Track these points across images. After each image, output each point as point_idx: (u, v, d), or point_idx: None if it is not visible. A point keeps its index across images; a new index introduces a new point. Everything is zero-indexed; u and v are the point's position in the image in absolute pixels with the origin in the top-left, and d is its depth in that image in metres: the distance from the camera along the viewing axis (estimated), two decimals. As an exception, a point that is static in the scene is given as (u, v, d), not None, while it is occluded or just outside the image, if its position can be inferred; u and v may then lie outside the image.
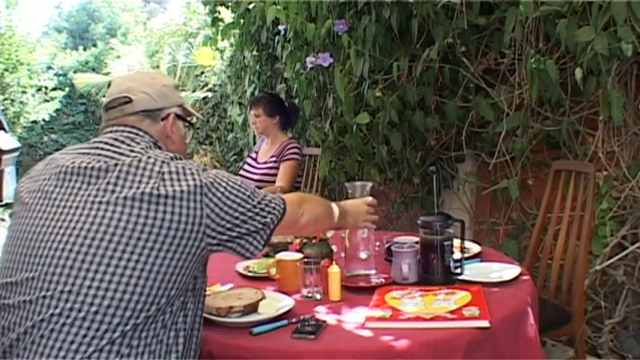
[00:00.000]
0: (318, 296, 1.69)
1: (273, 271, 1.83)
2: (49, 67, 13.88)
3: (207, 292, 1.66)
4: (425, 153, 3.40)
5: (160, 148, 1.45)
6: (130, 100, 1.45)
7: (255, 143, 4.56)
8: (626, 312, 2.66)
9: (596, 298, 2.70)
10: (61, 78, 14.09)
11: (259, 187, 3.94)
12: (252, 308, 1.54)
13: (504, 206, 3.17)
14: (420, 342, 1.36)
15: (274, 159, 3.69)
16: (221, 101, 7.93)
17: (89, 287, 1.22)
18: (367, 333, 1.43)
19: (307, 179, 3.91)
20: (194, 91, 8.50)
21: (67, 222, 1.28)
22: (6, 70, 11.63)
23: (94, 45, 16.49)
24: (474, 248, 2.14)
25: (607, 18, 2.19)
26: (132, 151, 1.37)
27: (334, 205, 1.70)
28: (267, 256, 2.09)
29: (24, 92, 12.15)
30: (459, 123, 3.09)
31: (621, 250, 2.60)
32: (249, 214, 1.39)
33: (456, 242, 1.84)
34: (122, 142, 1.39)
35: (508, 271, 1.84)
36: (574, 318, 2.20)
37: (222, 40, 5.09)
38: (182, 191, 1.29)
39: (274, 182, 3.61)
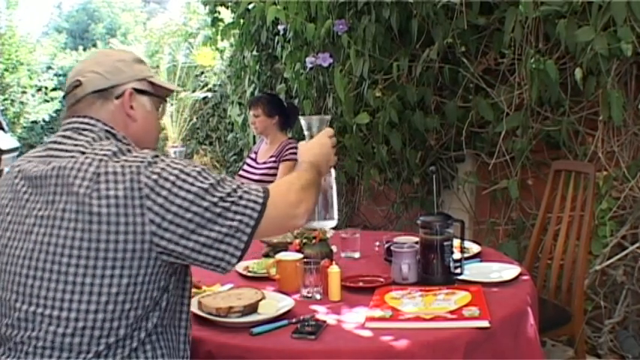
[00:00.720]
0: (318, 296, 1.69)
1: (273, 271, 1.83)
2: (49, 68, 13.88)
3: (207, 292, 1.67)
4: (425, 153, 3.41)
5: (114, 135, 1.29)
6: (80, 83, 1.31)
7: (254, 143, 4.56)
8: (626, 312, 2.66)
9: (595, 298, 2.70)
10: (61, 78, 14.08)
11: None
12: (252, 308, 1.54)
13: (504, 206, 3.17)
14: (420, 342, 1.36)
15: (273, 159, 3.69)
16: (221, 101, 7.93)
17: (42, 315, 1.14)
18: (367, 333, 1.43)
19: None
20: (194, 91, 8.50)
21: (18, 241, 1.20)
22: (6, 70, 11.64)
23: (94, 45, 16.49)
24: (474, 248, 2.14)
25: (607, 18, 2.19)
26: (76, 145, 1.23)
27: (316, 172, 1.45)
28: (267, 256, 2.09)
29: (24, 92, 12.15)
30: (458, 123, 3.09)
31: (621, 250, 2.60)
32: (208, 215, 1.16)
33: (456, 242, 1.84)
34: (69, 137, 1.26)
35: (508, 271, 1.84)
36: (574, 318, 2.20)
37: (222, 40, 5.09)
38: (117, 196, 1.13)
39: (274, 182, 3.61)
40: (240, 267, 1.98)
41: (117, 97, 1.33)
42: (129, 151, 1.23)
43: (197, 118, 8.54)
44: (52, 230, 1.15)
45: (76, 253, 1.13)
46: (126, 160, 1.18)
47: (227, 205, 1.18)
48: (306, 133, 1.63)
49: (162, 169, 1.17)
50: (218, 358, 1.39)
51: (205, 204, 1.16)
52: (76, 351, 1.13)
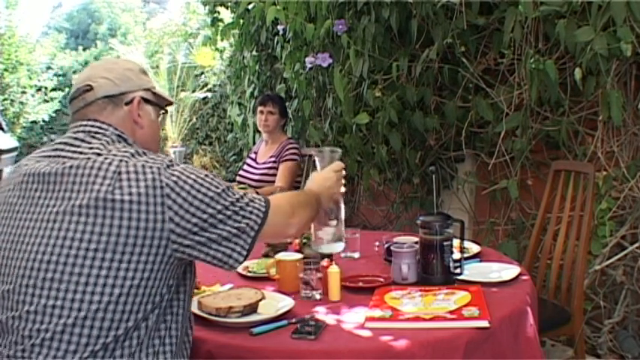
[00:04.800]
0: (318, 296, 1.69)
1: (272, 271, 1.83)
2: (49, 68, 13.89)
3: (207, 292, 1.67)
4: (424, 153, 3.41)
5: (125, 140, 1.35)
6: (91, 88, 1.36)
7: (254, 143, 4.56)
8: (626, 312, 2.66)
9: (595, 298, 2.70)
10: (60, 78, 14.09)
11: (259, 187, 3.92)
12: (252, 308, 1.54)
13: (504, 206, 3.17)
14: (420, 342, 1.36)
15: (273, 159, 3.70)
16: (221, 101, 7.94)
17: (53, 307, 1.17)
18: (367, 333, 1.43)
19: (307, 179, 3.91)
20: (194, 91, 8.50)
21: (29, 237, 1.22)
22: (6, 70, 11.65)
23: (95, 45, 16.51)
24: (474, 248, 2.14)
25: (606, 18, 2.19)
26: (90, 148, 1.28)
27: (314, 198, 1.57)
28: (266, 256, 2.09)
29: (24, 92, 12.16)
30: (458, 123, 3.09)
31: (620, 250, 2.60)
32: (220, 216, 1.25)
33: (456, 242, 1.84)
34: (82, 139, 1.30)
35: (507, 271, 1.85)
36: (573, 318, 2.21)
37: (222, 40, 5.09)
38: (139, 193, 1.19)
39: (274, 182, 3.62)
40: (240, 267, 1.98)
41: (126, 104, 1.39)
42: (144, 154, 1.29)
43: (197, 119, 8.54)
44: (70, 225, 1.19)
45: (93, 247, 1.17)
46: (146, 161, 1.24)
47: (236, 209, 1.29)
48: (318, 165, 1.73)
49: (181, 172, 1.25)
50: (218, 358, 1.40)
51: (219, 207, 1.26)
52: (84, 343, 1.16)
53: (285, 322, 1.50)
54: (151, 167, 1.23)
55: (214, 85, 8.08)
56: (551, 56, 2.58)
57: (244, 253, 1.30)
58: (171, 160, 1.28)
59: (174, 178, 1.23)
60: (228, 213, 1.27)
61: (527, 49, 2.62)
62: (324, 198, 1.63)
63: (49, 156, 1.31)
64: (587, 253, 2.38)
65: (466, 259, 1.90)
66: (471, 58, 2.98)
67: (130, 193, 1.19)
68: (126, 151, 1.27)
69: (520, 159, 2.88)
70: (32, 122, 12.90)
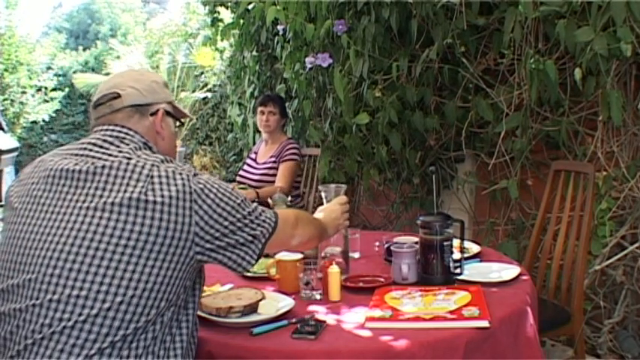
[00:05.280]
0: (318, 296, 1.69)
1: (272, 271, 1.83)
2: (49, 68, 13.87)
3: (207, 292, 1.67)
4: (424, 153, 3.41)
5: (149, 148, 1.42)
6: (119, 96, 1.42)
7: (254, 143, 4.56)
8: (626, 312, 2.66)
9: (595, 298, 2.71)
10: (60, 78, 14.08)
11: (259, 187, 3.92)
12: (252, 308, 1.54)
13: (504, 206, 3.17)
14: (420, 342, 1.36)
15: (273, 159, 3.70)
16: (221, 101, 7.94)
17: (77, 297, 1.20)
18: (367, 333, 1.43)
19: (307, 179, 3.92)
20: (194, 91, 8.50)
21: (55, 228, 1.26)
22: (6, 70, 11.65)
23: (95, 45, 16.50)
24: (474, 248, 2.14)
25: (606, 18, 2.19)
26: (120, 152, 1.34)
27: (320, 224, 1.68)
28: (267, 256, 2.09)
29: (24, 92, 12.16)
30: (458, 123, 3.10)
31: (620, 250, 2.60)
32: (239, 224, 1.35)
33: (456, 242, 1.84)
34: (111, 143, 1.36)
35: (507, 271, 1.85)
36: (573, 318, 2.21)
37: (222, 40, 5.09)
38: (171, 197, 1.26)
39: (274, 182, 3.62)
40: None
41: (151, 115, 1.46)
42: (171, 161, 1.36)
43: (197, 119, 8.54)
44: (100, 221, 1.24)
45: (123, 242, 1.22)
46: (175, 168, 1.32)
47: (252, 218, 1.39)
48: (324, 199, 1.88)
49: (206, 181, 1.33)
50: (218, 358, 1.40)
51: (239, 216, 1.36)
52: (104, 333, 1.20)
53: (285, 322, 1.50)
54: (180, 174, 1.30)
55: (214, 85, 8.08)
56: (551, 56, 2.59)
57: (255, 257, 1.40)
58: (196, 170, 1.36)
59: (201, 186, 1.31)
60: (246, 221, 1.37)
61: (527, 49, 2.62)
62: (330, 228, 1.73)
63: (76, 154, 1.36)
64: (587, 253, 2.38)
65: (466, 259, 1.90)
66: (471, 59, 2.98)
67: (162, 195, 1.26)
68: (156, 157, 1.34)
69: (520, 159, 2.88)
70: (32, 122, 12.89)
